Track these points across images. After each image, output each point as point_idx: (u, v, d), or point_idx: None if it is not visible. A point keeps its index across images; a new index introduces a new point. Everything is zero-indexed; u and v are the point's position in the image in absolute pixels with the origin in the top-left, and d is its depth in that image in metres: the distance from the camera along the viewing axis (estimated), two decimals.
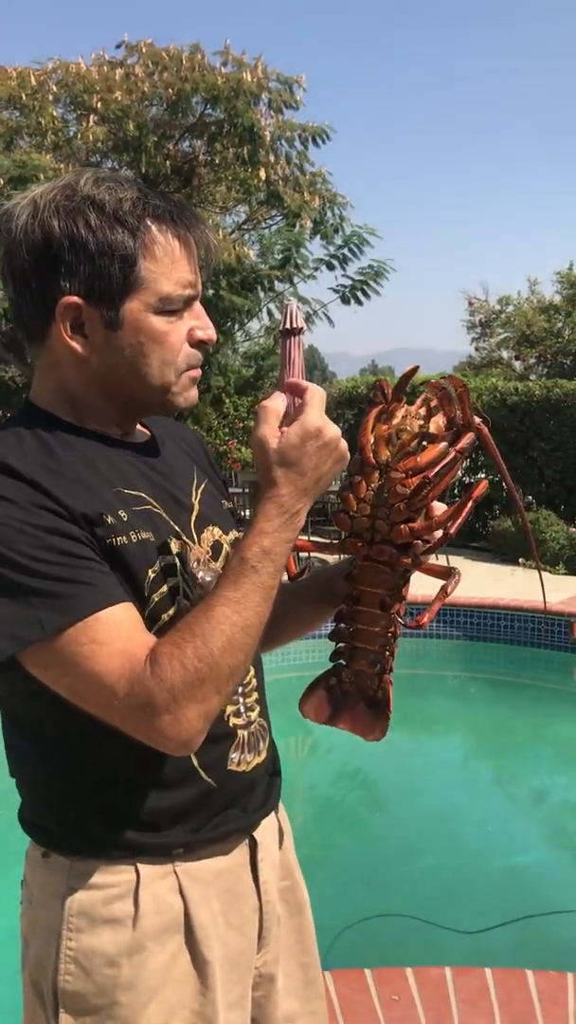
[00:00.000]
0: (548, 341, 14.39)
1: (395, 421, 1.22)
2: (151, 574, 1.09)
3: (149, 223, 1.08)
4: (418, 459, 1.17)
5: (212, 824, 1.17)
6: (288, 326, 10.05)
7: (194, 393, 1.18)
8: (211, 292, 11.02)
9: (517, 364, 14.97)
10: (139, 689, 0.99)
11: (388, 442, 1.20)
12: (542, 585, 1.41)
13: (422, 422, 1.22)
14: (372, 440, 1.22)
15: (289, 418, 1.10)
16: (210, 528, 1.22)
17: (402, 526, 1.18)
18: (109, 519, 1.05)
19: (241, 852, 1.22)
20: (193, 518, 1.20)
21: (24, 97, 10.78)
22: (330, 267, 11.66)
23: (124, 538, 1.06)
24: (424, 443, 1.19)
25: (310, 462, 1.07)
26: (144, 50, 11.15)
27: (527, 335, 14.70)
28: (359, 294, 11.65)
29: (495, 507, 10.96)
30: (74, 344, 1.09)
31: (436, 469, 1.16)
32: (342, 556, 1.29)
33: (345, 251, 11.56)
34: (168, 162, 11.30)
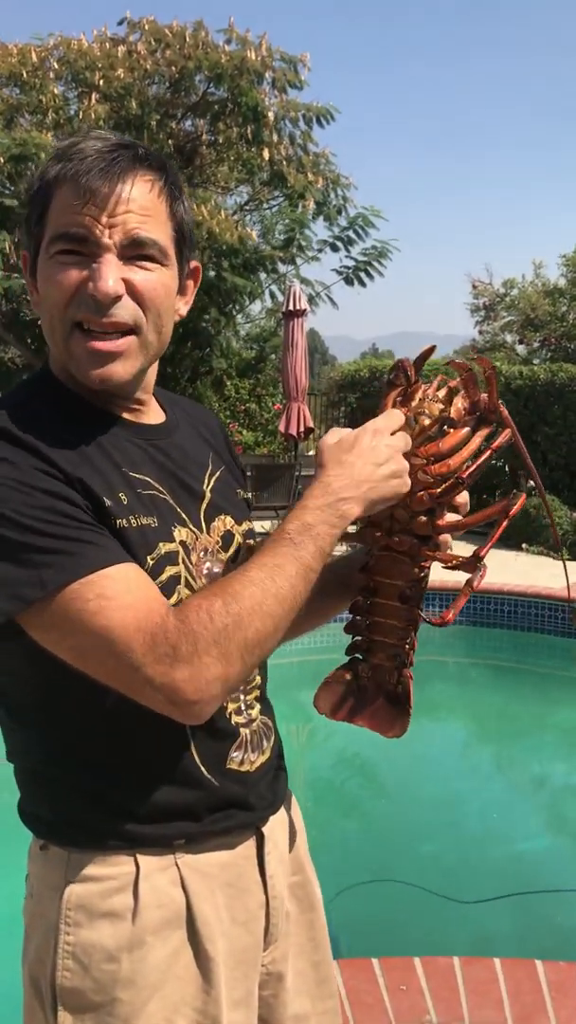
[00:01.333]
0: (553, 325, 14.30)
1: (414, 403, 1.15)
2: (150, 561, 1.04)
3: (60, 170, 1.05)
4: (440, 445, 1.12)
5: (214, 819, 1.12)
6: (291, 308, 10.01)
7: (109, 369, 1.06)
8: (212, 273, 10.93)
9: (521, 348, 14.90)
10: (159, 638, 0.95)
11: (407, 426, 1.14)
12: (566, 574, 1.35)
13: (442, 406, 1.15)
14: None
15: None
16: (222, 517, 1.18)
17: (422, 517, 1.13)
18: (107, 501, 1.01)
19: (247, 846, 1.18)
20: (204, 506, 1.16)
21: (25, 74, 10.66)
22: (334, 248, 11.58)
23: (123, 521, 1.02)
24: (446, 428, 1.14)
25: (363, 454, 1.06)
26: (147, 27, 11.03)
27: (531, 319, 14.61)
28: (362, 275, 11.58)
29: (497, 492, 10.92)
30: (33, 299, 1.11)
31: (461, 458, 1.12)
32: (357, 546, 1.24)
33: (350, 233, 11.47)
34: (171, 141, 11.19)
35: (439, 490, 1.12)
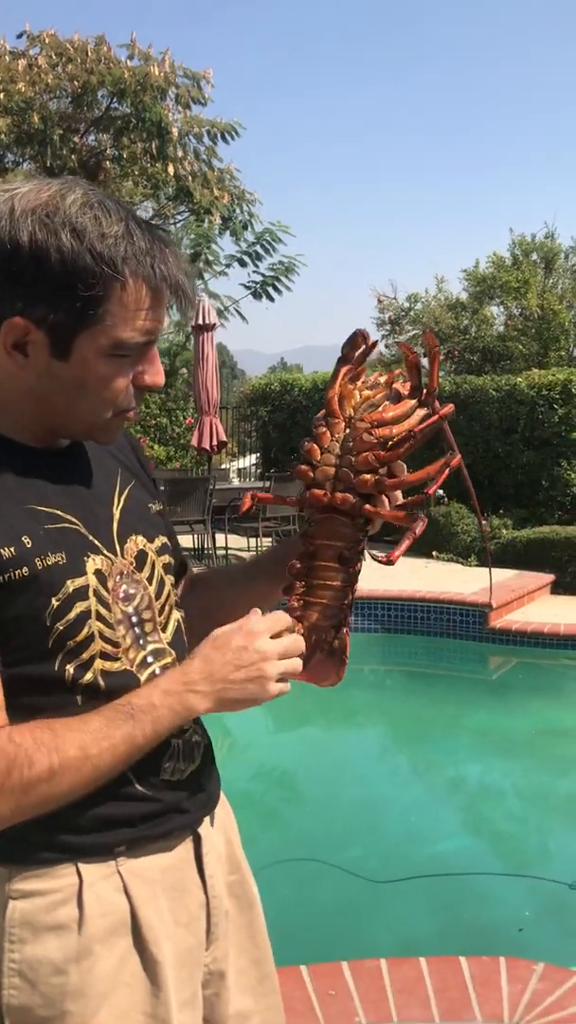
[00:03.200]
0: (456, 338, 14.66)
1: (361, 381, 1.23)
2: (54, 603, 1.06)
3: (125, 268, 1.02)
4: (384, 414, 1.18)
5: (152, 824, 1.14)
6: (200, 322, 10.02)
7: (119, 431, 1.16)
8: None
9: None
10: None
11: (354, 397, 1.21)
12: (491, 582, 1.41)
13: (388, 388, 1.23)
14: (338, 393, 1.22)
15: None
16: (133, 538, 1.19)
17: (367, 475, 1.17)
18: (8, 551, 1.02)
19: (185, 848, 1.20)
20: (115, 528, 1.17)
21: None
22: (242, 264, 11.66)
23: (26, 568, 1.03)
24: (388, 403, 1.21)
25: (229, 654, 1.09)
26: (47, 40, 10.93)
27: (435, 332, 14.95)
28: (270, 289, 11.69)
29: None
30: (11, 361, 1.05)
31: (402, 427, 1.17)
32: (295, 524, 1.27)
33: (257, 247, 11.57)
34: (74, 156, 11.10)
35: (384, 453, 1.17)
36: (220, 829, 1.29)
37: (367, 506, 1.18)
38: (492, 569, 8.50)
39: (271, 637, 1.12)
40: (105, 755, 1.03)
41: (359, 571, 1.22)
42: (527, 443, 10.14)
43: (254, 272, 11.82)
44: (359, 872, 3.64)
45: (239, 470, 13.25)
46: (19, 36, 11.13)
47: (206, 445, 9.40)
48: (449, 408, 1.22)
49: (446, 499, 10.03)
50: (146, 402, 14.25)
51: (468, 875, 3.67)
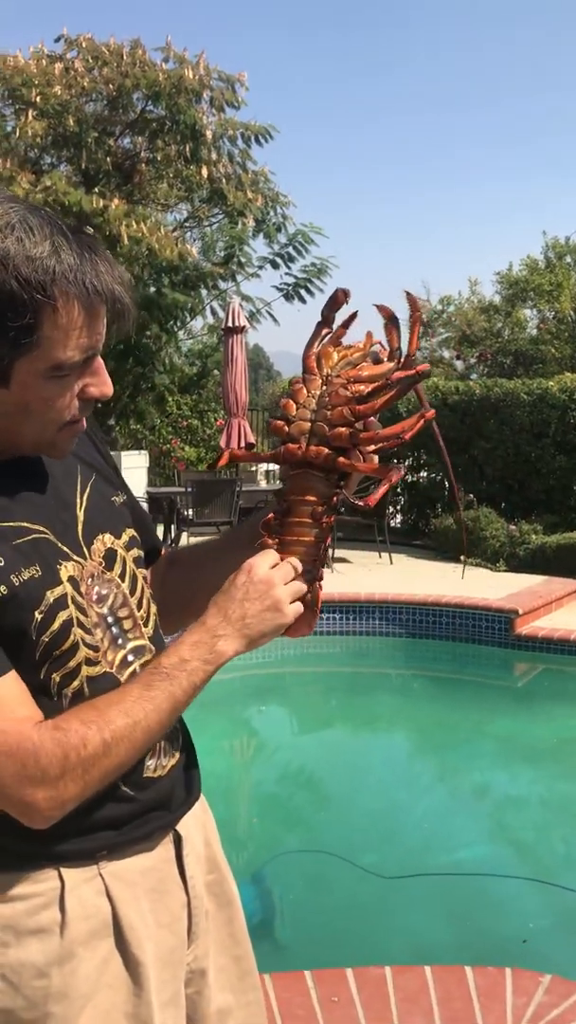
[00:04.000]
0: (488, 341, 14.57)
1: (341, 343, 1.24)
2: (38, 616, 1.06)
3: (55, 290, 0.98)
4: (361, 372, 1.19)
5: (134, 825, 1.16)
6: (230, 324, 10.07)
7: (72, 444, 1.14)
8: (153, 290, 10.94)
9: (458, 364, 15.14)
10: (29, 763, 1.00)
11: (332, 357, 1.22)
12: (464, 564, 1.41)
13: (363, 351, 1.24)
14: (317, 353, 1.23)
15: None
16: (100, 537, 1.19)
17: (341, 428, 1.17)
18: None
19: (166, 848, 1.21)
20: (80, 531, 1.17)
21: None
22: (274, 266, 11.68)
23: (3, 587, 1.04)
24: (368, 360, 1.22)
25: (238, 593, 1.11)
26: (84, 44, 11.05)
27: (468, 335, 14.87)
28: (302, 291, 11.70)
29: (437, 505, 11.07)
30: None
31: (377, 386, 1.18)
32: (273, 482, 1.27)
33: (290, 249, 11.58)
34: (109, 158, 11.19)
35: (359, 407, 1.17)
36: (199, 830, 1.30)
37: (341, 459, 1.18)
38: (517, 574, 8.41)
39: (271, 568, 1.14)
40: (151, 716, 1.05)
41: (332, 526, 1.22)
42: (558, 447, 10.05)
43: (286, 274, 11.83)
44: (372, 881, 3.63)
45: (267, 472, 13.25)
46: (57, 40, 11.27)
47: (235, 446, 9.43)
48: (425, 367, 1.22)
49: (476, 502, 9.98)
50: (178, 404, 14.35)
51: (481, 878, 3.64)
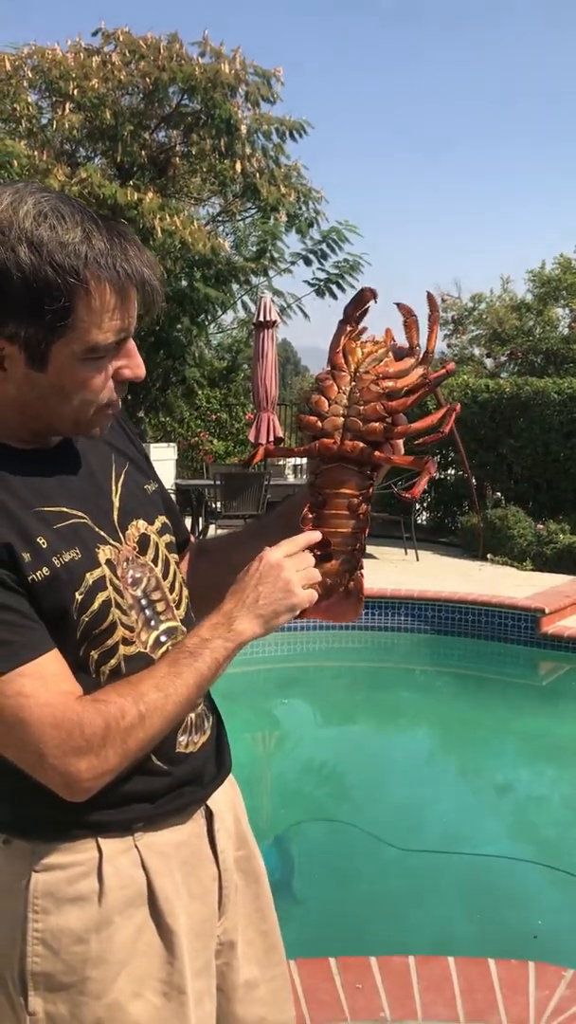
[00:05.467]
0: (519, 339, 14.50)
1: (364, 338, 1.28)
2: (78, 597, 1.11)
3: (87, 274, 1.02)
4: (387, 368, 1.23)
5: (168, 798, 1.21)
6: (261, 319, 10.10)
7: (109, 423, 1.19)
8: (185, 284, 10.98)
9: (488, 361, 15.09)
10: (75, 733, 1.04)
11: (357, 353, 1.26)
12: (481, 540, 1.46)
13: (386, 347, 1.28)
14: (342, 348, 1.26)
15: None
16: (134, 523, 1.23)
17: (375, 423, 1.21)
18: (27, 556, 1.06)
19: (198, 823, 1.26)
20: (115, 516, 1.21)
21: None
22: (307, 262, 11.68)
23: (46, 568, 1.07)
24: (392, 356, 1.26)
25: (251, 579, 1.16)
26: (121, 38, 11.09)
27: (499, 333, 14.81)
28: (334, 287, 11.70)
29: (464, 503, 11.05)
30: None
31: (407, 380, 1.22)
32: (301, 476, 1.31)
33: (323, 246, 11.58)
34: (144, 152, 11.24)
35: (393, 403, 1.21)
36: (229, 807, 1.35)
37: (377, 453, 1.22)
38: (544, 573, 8.38)
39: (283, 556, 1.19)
40: (180, 690, 1.10)
41: (368, 515, 1.27)
42: None
43: (318, 270, 11.84)
44: (396, 872, 3.66)
45: (295, 466, 13.28)
46: (94, 34, 11.33)
47: (263, 440, 9.47)
48: (452, 365, 1.29)
49: (504, 501, 9.95)
50: (207, 397, 14.40)
51: (504, 873, 3.66)
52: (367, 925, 3.21)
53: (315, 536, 1.22)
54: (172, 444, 12.82)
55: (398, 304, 1.28)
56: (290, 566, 1.17)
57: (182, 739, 1.22)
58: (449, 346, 14.77)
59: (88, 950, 1.13)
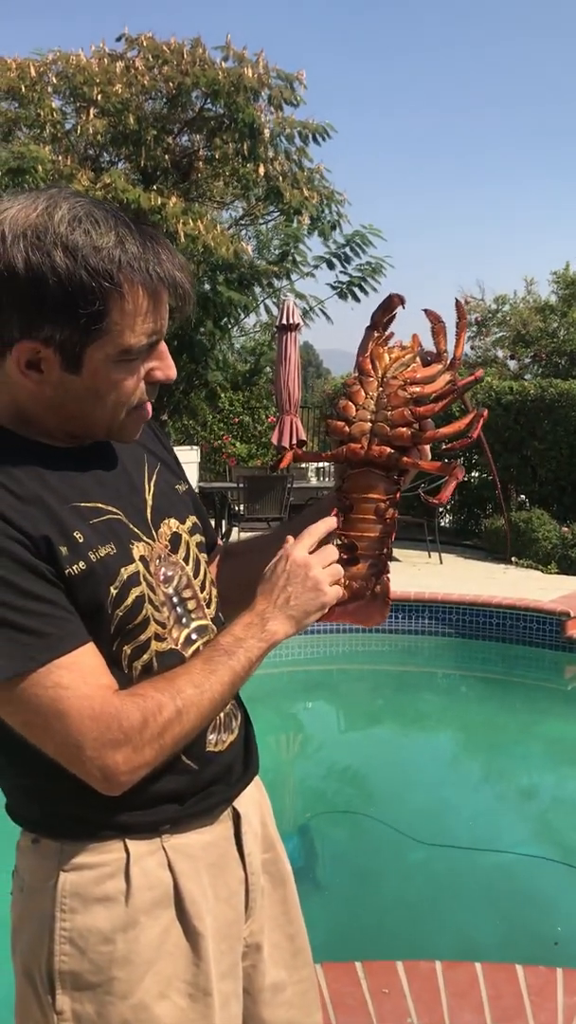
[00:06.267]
0: (543, 341, 14.41)
1: (391, 344, 1.29)
2: (113, 591, 1.11)
3: (121, 277, 1.04)
4: (415, 373, 1.24)
5: (196, 799, 1.21)
6: (284, 322, 10.09)
7: (140, 427, 1.20)
8: (207, 287, 11.01)
9: (512, 363, 15.01)
10: (113, 726, 1.05)
11: (385, 358, 1.27)
12: (508, 540, 1.46)
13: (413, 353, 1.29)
14: (370, 354, 1.27)
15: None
16: (167, 521, 1.24)
17: (403, 428, 1.22)
18: (64, 550, 1.07)
19: (226, 826, 1.27)
20: (148, 514, 1.22)
21: (23, 88, 10.75)
22: (330, 265, 11.67)
23: (82, 562, 1.08)
24: (419, 361, 1.27)
25: (280, 579, 1.17)
26: (145, 43, 11.13)
27: (522, 335, 14.72)
28: (356, 290, 11.68)
29: (488, 506, 10.99)
30: (27, 380, 1.09)
31: (433, 387, 1.23)
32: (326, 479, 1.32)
33: (346, 250, 11.57)
34: (167, 156, 11.27)
35: (421, 408, 1.22)
36: (256, 810, 1.35)
37: (404, 458, 1.23)
38: (569, 576, 8.32)
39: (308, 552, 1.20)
40: (215, 687, 1.11)
41: (395, 520, 1.27)
42: None
43: (341, 272, 11.82)
44: (420, 875, 3.64)
45: (318, 469, 13.28)
46: (118, 39, 11.37)
47: (286, 443, 9.47)
48: (480, 372, 1.30)
49: (528, 503, 9.89)
50: (230, 400, 14.42)
51: (528, 878, 3.63)
52: (392, 928, 3.20)
53: (332, 523, 1.23)
54: (195, 447, 12.87)
55: (426, 310, 1.29)
56: (316, 563, 1.18)
57: (211, 737, 1.23)
58: (472, 348, 14.70)
59: (115, 950, 1.13)
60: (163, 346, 1.14)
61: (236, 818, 1.28)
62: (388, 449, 1.23)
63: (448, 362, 1.26)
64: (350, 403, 1.25)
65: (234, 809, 1.28)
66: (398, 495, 1.26)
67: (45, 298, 1.03)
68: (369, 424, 1.23)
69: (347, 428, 1.24)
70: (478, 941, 3.12)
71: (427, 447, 1.27)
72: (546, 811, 4.80)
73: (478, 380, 1.27)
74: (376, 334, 1.29)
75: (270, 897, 1.35)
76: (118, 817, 1.14)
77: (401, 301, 1.28)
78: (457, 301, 1.30)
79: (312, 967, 1.44)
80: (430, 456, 1.29)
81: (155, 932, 1.16)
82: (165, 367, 1.15)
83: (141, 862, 1.15)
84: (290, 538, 1.22)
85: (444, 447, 1.31)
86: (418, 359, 1.27)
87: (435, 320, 1.27)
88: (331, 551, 1.21)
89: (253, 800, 1.34)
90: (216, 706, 1.12)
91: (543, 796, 5.03)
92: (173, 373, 1.16)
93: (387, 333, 1.30)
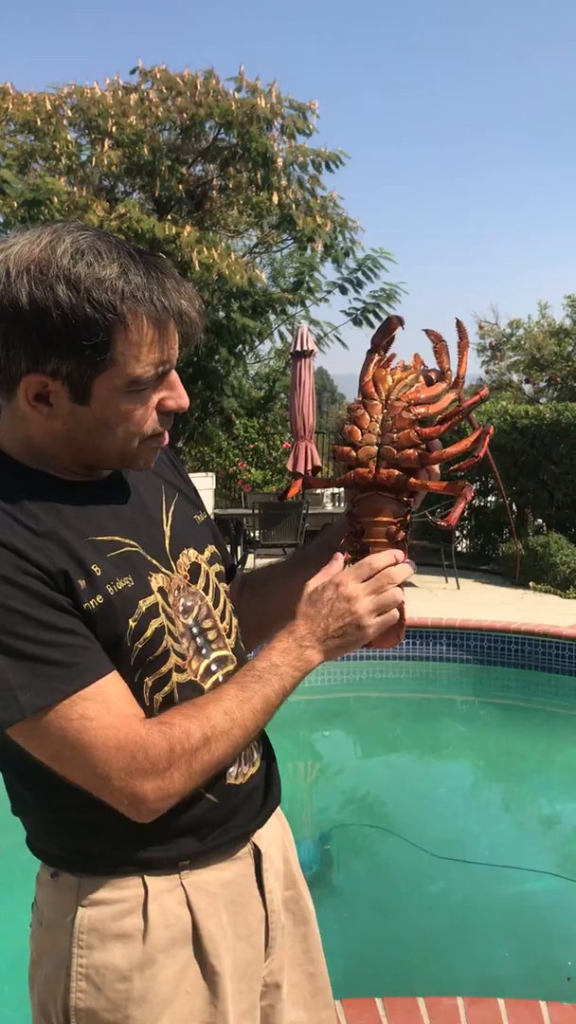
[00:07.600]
0: (558, 365, 14.43)
1: (392, 365, 1.29)
2: (132, 624, 1.10)
3: (124, 309, 1.03)
4: (419, 394, 1.23)
5: (216, 835, 1.19)
6: (298, 349, 10.14)
7: (155, 455, 1.19)
8: (222, 314, 11.08)
9: (527, 387, 15.01)
10: (139, 755, 1.04)
11: (387, 380, 1.26)
12: (518, 563, 1.44)
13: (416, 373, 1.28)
14: (372, 377, 1.27)
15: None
16: (185, 552, 1.23)
17: (409, 450, 1.21)
18: (82, 583, 1.06)
19: (246, 863, 1.24)
20: (167, 545, 1.21)
21: (39, 121, 10.91)
22: (343, 291, 11.74)
23: (100, 596, 1.08)
24: (422, 381, 1.26)
25: (324, 608, 1.15)
26: (158, 75, 11.30)
27: (537, 359, 14.74)
28: (371, 316, 11.73)
29: (504, 531, 10.94)
30: (37, 413, 1.08)
31: (438, 406, 1.22)
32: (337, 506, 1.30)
33: (359, 274, 11.64)
34: (181, 186, 11.40)
35: (427, 429, 1.21)
36: (279, 846, 1.33)
37: (412, 479, 1.22)
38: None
39: (361, 582, 1.17)
40: (247, 715, 1.10)
41: (407, 542, 1.26)
42: None
43: (355, 299, 11.89)
44: (440, 908, 3.58)
45: (333, 494, 13.27)
46: (132, 72, 11.55)
47: (301, 469, 9.47)
48: (485, 391, 1.29)
49: (545, 527, 9.84)
50: (244, 427, 14.47)
51: (550, 912, 3.56)
52: (412, 962, 3.14)
53: (399, 555, 1.20)
54: (210, 474, 12.91)
55: (427, 330, 1.29)
56: (364, 598, 1.16)
57: (232, 770, 1.21)
58: (488, 372, 14.71)
59: (131, 988, 1.11)
60: (174, 375, 1.13)
61: (257, 855, 1.26)
62: (396, 471, 1.22)
63: (452, 381, 1.25)
64: (356, 427, 1.25)
65: (255, 845, 1.26)
66: (409, 517, 1.26)
67: (50, 332, 1.03)
68: (375, 447, 1.23)
69: (353, 453, 1.24)
70: (500, 975, 3.05)
71: (436, 467, 1.26)
72: (568, 840, 4.72)
73: (483, 399, 1.26)
74: (377, 357, 1.29)
75: (291, 935, 1.33)
76: (137, 853, 1.13)
77: (400, 322, 1.28)
78: (458, 320, 1.29)
79: (332, 1007, 1.41)
80: (439, 476, 1.28)
81: (172, 971, 1.13)
82: (177, 396, 1.14)
83: (159, 899, 1.13)
84: (339, 555, 1.20)
85: (452, 467, 1.30)
86: (421, 378, 1.27)
87: (436, 339, 1.27)
88: (386, 576, 1.17)
89: (276, 835, 1.32)
90: (248, 735, 1.11)
91: (564, 824, 4.95)
92: (185, 402, 1.15)
93: (388, 355, 1.29)
